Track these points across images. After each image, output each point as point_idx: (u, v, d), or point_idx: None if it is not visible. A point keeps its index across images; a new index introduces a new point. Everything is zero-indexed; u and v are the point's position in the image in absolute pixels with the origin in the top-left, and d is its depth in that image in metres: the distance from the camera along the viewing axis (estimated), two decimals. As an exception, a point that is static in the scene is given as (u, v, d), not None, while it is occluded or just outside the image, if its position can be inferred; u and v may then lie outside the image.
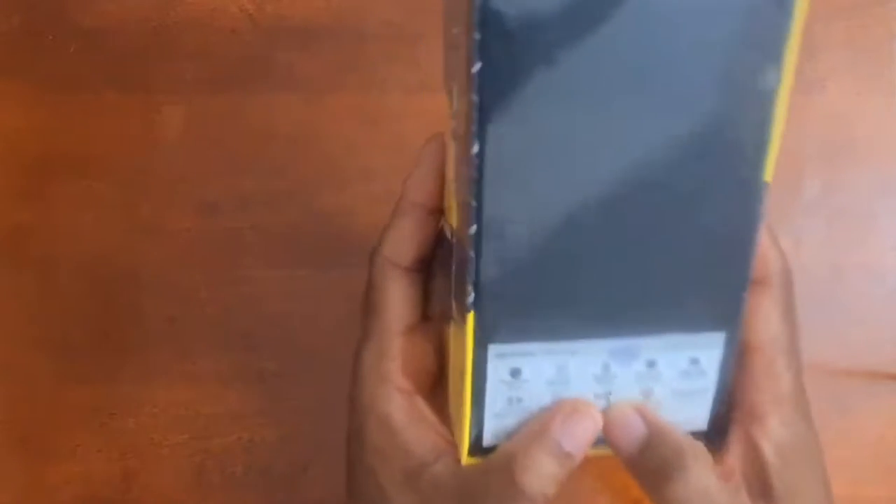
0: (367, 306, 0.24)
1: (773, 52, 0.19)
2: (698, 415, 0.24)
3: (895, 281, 0.41)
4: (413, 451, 0.23)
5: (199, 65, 0.41)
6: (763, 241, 0.23)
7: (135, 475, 0.41)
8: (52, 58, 0.41)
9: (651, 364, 0.23)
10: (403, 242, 0.24)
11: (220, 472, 0.41)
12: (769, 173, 0.21)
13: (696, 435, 0.24)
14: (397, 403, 0.23)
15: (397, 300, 0.24)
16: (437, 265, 0.25)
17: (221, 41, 0.41)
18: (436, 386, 0.25)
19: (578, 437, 0.22)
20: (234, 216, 0.41)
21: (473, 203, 0.20)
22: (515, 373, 0.22)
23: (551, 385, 0.23)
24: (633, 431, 0.23)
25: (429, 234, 0.24)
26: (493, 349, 0.22)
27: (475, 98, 0.19)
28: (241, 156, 0.41)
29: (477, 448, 0.23)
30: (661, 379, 0.23)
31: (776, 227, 0.39)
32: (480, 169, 0.19)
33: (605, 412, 0.23)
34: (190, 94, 0.41)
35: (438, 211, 0.24)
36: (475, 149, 0.19)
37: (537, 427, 0.22)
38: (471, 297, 0.21)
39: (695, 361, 0.23)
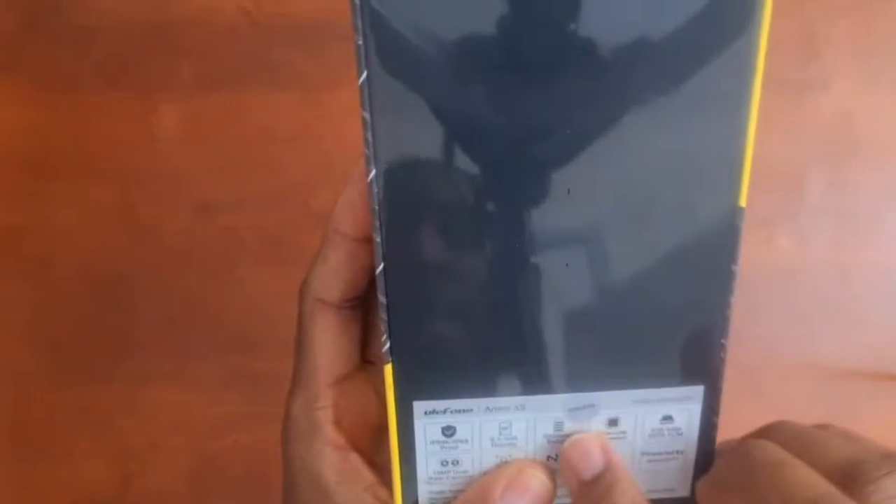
0: (296, 349, 0.22)
1: (741, 66, 0.17)
2: (677, 479, 0.20)
3: (900, 281, 0.41)
4: None
5: (196, 63, 0.41)
6: None
7: (132, 477, 0.41)
8: (48, 56, 0.41)
9: (613, 422, 0.20)
10: (331, 277, 0.21)
11: (217, 475, 0.40)
12: (744, 197, 0.18)
13: (677, 503, 0.21)
14: (329, 461, 0.20)
15: (327, 343, 0.21)
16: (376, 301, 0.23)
17: (219, 40, 0.41)
18: (379, 439, 0.22)
19: None
20: (232, 216, 0.40)
21: (377, 238, 0.18)
22: (449, 432, 0.19)
23: (495, 447, 0.20)
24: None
25: (361, 266, 0.21)
26: (419, 406, 0.19)
27: (366, 115, 0.17)
28: (238, 155, 0.40)
29: None
30: (627, 439, 0.20)
31: (781, 227, 0.39)
32: (379, 198, 0.17)
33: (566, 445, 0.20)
34: (187, 93, 0.40)
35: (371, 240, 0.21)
36: (372, 173, 0.17)
37: (477, 495, 0.19)
38: (386, 346, 0.18)
39: (668, 419, 0.20)
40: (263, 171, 0.40)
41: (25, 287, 0.41)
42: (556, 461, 0.20)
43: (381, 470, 0.21)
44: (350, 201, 0.20)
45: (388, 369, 0.19)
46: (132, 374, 0.40)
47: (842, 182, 0.40)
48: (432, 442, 0.20)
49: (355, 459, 0.21)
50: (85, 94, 0.40)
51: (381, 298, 0.18)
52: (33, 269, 0.41)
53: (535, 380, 0.19)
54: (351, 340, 0.22)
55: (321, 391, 0.21)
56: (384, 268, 0.18)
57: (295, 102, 0.40)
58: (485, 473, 0.20)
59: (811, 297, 0.41)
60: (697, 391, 0.19)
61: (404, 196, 0.17)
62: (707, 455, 0.20)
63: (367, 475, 0.21)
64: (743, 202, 0.18)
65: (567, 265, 0.18)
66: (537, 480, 0.20)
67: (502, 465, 0.20)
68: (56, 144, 0.41)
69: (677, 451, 0.20)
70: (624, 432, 0.20)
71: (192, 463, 0.40)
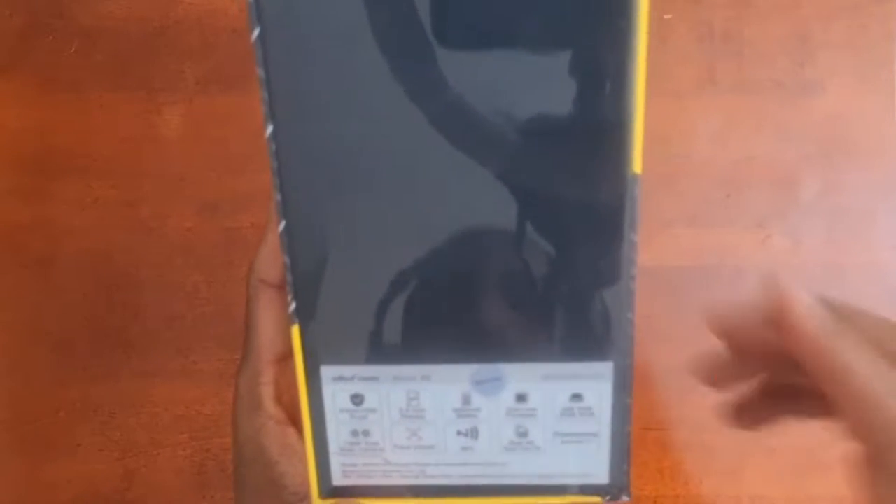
0: (245, 328, 0.22)
1: (622, 24, 0.16)
2: (593, 464, 0.19)
3: (894, 280, 0.41)
4: (285, 487, 0.21)
5: (199, 64, 0.41)
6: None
7: (135, 474, 0.41)
8: (52, 57, 0.41)
9: (522, 398, 0.19)
10: (272, 259, 0.21)
11: (220, 472, 0.41)
12: (638, 163, 0.17)
13: (594, 489, 0.20)
14: (271, 434, 0.21)
15: (269, 323, 0.22)
16: None
17: (222, 41, 0.41)
18: None
19: None
20: (234, 215, 0.41)
21: (277, 196, 0.17)
22: (358, 401, 0.19)
23: (405, 418, 0.19)
24: None
25: None
26: (327, 371, 0.19)
27: (261, 72, 0.17)
28: (240, 155, 0.41)
29: (328, 488, 0.20)
30: (538, 417, 0.19)
31: (775, 227, 0.39)
32: (278, 155, 0.17)
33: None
34: (190, 94, 0.41)
35: None
36: (269, 129, 0.17)
37: None
38: (292, 307, 0.18)
39: (577, 398, 0.19)
40: (266, 171, 0.41)
41: (30, 285, 0.41)
42: (466, 436, 0.19)
43: None
44: None
45: (295, 331, 0.19)
46: (136, 370, 0.41)
47: (836, 183, 0.41)
48: (342, 410, 0.19)
49: (292, 435, 0.22)
50: (89, 94, 0.41)
51: (285, 258, 0.18)
52: (38, 267, 0.41)
53: (440, 349, 0.19)
54: None
55: (263, 368, 0.22)
56: (286, 226, 0.18)
57: (297, 103, 0.41)
58: (397, 446, 0.20)
59: (805, 296, 0.41)
60: (606, 368, 0.19)
61: (303, 154, 0.17)
62: (622, 439, 0.19)
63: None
64: (637, 168, 0.17)
65: (471, 233, 0.18)
66: None
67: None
68: (60, 144, 0.41)
69: (591, 434, 0.19)
70: (533, 409, 0.19)
71: (195, 459, 0.41)
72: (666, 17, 0.40)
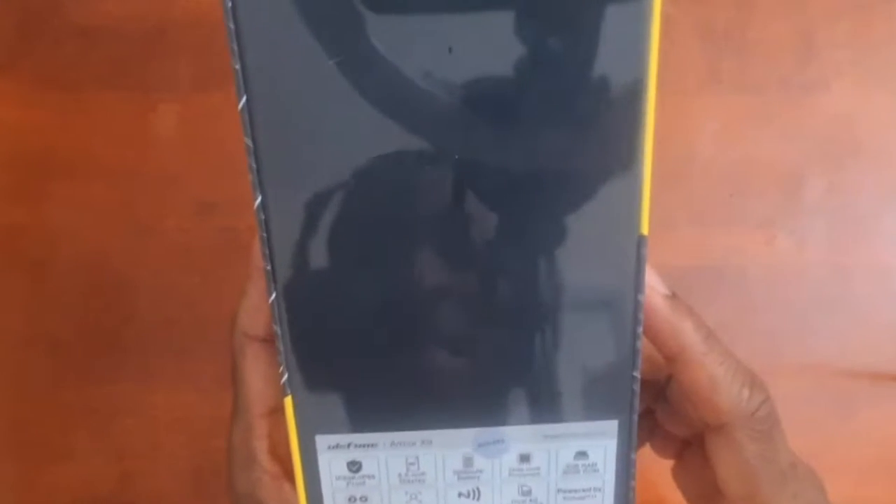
0: (232, 381, 0.22)
1: (632, 91, 0.16)
2: None
3: (899, 281, 0.41)
4: None
5: (195, 63, 0.40)
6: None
7: (133, 477, 0.41)
8: (48, 56, 0.41)
9: (525, 458, 0.19)
10: (254, 313, 0.21)
11: (218, 475, 0.40)
12: (645, 225, 0.17)
13: None
14: (267, 489, 0.21)
15: (257, 376, 0.21)
16: None
17: (218, 40, 0.41)
18: None
19: None
20: (231, 216, 0.40)
21: (267, 266, 0.17)
22: (355, 468, 0.19)
23: (404, 483, 0.19)
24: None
25: None
26: (322, 440, 0.19)
27: (248, 141, 0.16)
28: (237, 155, 0.40)
29: None
30: (541, 476, 0.19)
31: (780, 228, 0.39)
32: (267, 224, 0.17)
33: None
34: (186, 93, 0.40)
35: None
36: (258, 200, 0.16)
37: None
38: (284, 378, 0.18)
39: (582, 455, 0.19)
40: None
41: (25, 286, 0.41)
42: (467, 497, 0.19)
43: None
44: None
45: (288, 402, 0.18)
46: (133, 373, 0.40)
47: (841, 183, 0.40)
48: (338, 477, 0.19)
49: (289, 490, 0.21)
50: (85, 93, 0.40)
51: (276, 329, 0.17)
52: (33, 269, 0.41)
53: (441, 414, 0.18)
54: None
55: (255, 422, 0.21)
56: (276, 298, 0.17)
57: (295, 102, 0.41)
58: None
59: (810, 298, 0.41)
60: (611, 426, 0.19)
61: (293, 222, 0.17)
62: (626, 492, 0.19)
63: None
64: (645, 230, 0.17)
65: (468, 295, 0.17)
66: None
67: None
68: (56, 144, 0.41)
69: (595, 489, 0.19)
70: (537, 468, 0.19)
71: (193, 462, 0.40)
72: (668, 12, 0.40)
